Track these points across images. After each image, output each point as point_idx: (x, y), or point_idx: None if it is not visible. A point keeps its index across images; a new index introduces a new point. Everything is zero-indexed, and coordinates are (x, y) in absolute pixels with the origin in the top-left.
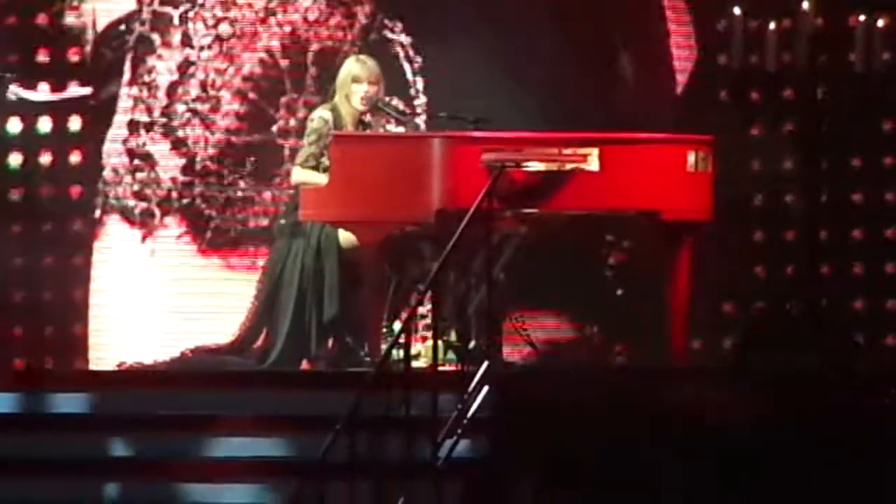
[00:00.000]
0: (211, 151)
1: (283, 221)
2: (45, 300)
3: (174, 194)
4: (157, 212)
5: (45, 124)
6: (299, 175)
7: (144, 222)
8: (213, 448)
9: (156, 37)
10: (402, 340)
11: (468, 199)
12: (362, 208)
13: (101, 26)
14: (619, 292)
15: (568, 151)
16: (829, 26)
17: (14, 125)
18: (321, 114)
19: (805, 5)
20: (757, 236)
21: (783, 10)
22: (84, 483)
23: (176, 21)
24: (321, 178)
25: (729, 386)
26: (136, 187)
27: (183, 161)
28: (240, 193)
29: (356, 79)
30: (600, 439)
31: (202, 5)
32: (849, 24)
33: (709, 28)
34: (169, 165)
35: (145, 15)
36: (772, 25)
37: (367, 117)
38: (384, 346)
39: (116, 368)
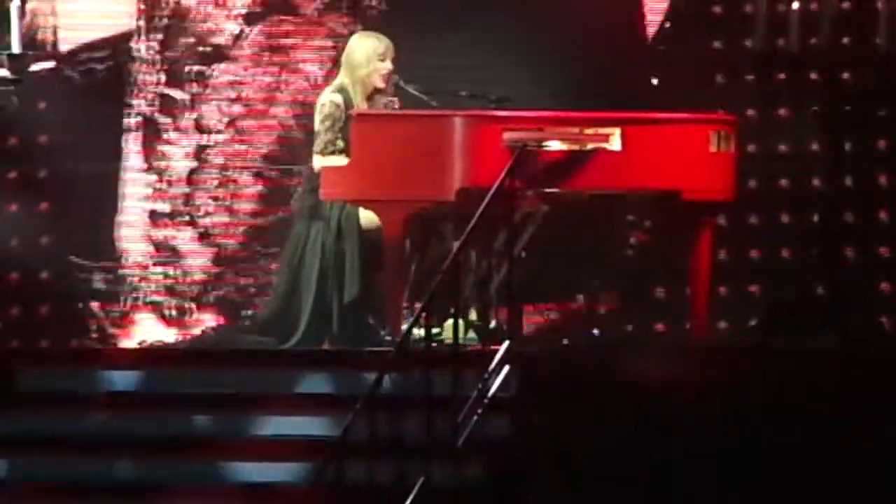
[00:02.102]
0: (239, 237)
1: (300, 204)
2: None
3: (207, 287)
4: (193, 306)
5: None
6: (320, 162)
7: (181, 321)
8: (234, 427)
9: (166, 120)
10: (422, 320)
11: (489, 178)
12: (383, 187)
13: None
14: (645, 273)
15: (590, 131)
16: (854, 8)
17: None
18: (332, 97)
19: None
20: (783, 218)
21: None
22: (104, 460)
23: (186, 104)
24: (343, 162)
25: (750, 365)
26: (167, 281)
27: (211, 252)
28: (272, 278)
29: (382, 56)
30: (618, 418)
31: (210, 87)
32: (873, 6)
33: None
34: (197, 258)
35: (150, 96)
36: (795, 5)
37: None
38: (405, 326)
39: (138, 346)
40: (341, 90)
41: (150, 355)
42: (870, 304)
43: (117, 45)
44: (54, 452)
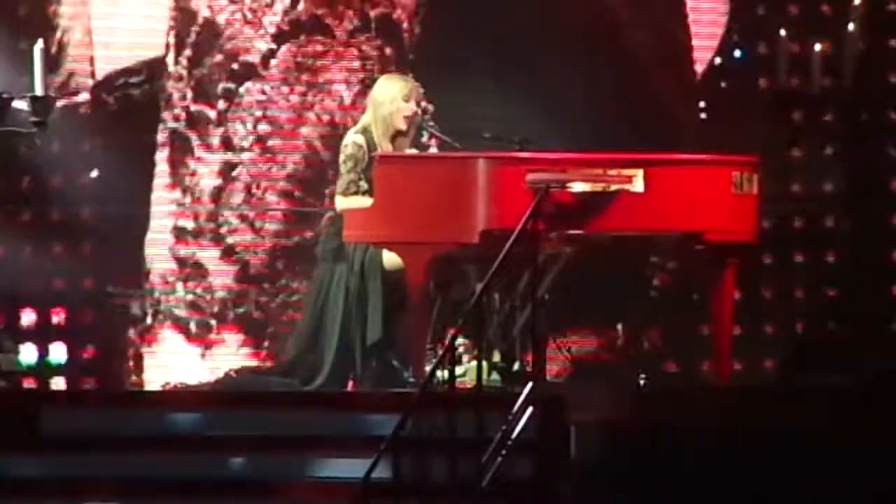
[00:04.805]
0: (262, 256)
1: (323, 246)
2: (85, 319)
3: (229, 304)
4: (213, 322)
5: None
6: (343, 203)
7: (201, 337)
8: (260, 469)
9: (194, 137)
10: (446, 361)
11: (513, 219)
12: (406, 229)
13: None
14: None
15: (613, 172)
16: (870, 49)
17: None
18: (354, 139)
19: (850, 27)
20: (798, 258)
21: (827, 32)
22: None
23: (214, 121)
24: (365, 203)
25: (771, 406)
26: (188, 297)
27: (235, 268)
28: (294, 297)
29: (406, 97)
30: (644, 458)
31: (239, 105)
32: (889, 46)
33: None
34: (221, 274)
35: (178, 111)
36: (817, 47)
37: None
38: (428, 368)
39: (162, 389)
40: (364, 131)
41: (175, 397)
42: (884, 343)
43: (153, 66)
44: (87, 497)
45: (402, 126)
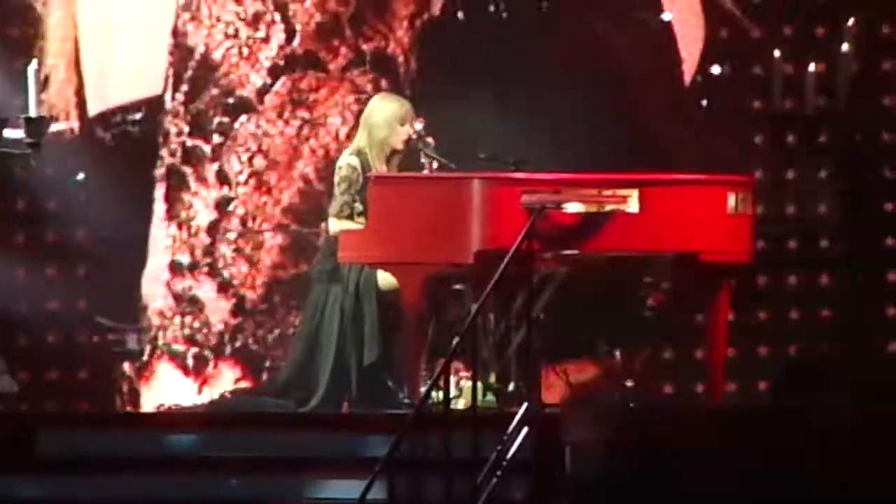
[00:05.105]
0: (259, 290)
1: (318, 268)
2: (81, 342)
3: (226, 338)
4: (210, 355)
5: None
6: (336, 225)
7: (199, 371)
8: (254, 490)
9: (188, 170)
10: (441, 382)
11: (508, 240)
12: (401, 249)
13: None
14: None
15: (608, 193)
16: (864, 70)
17: None
18: (348, 160)
19: (844, 48)
20: (791, 280)
21: (821, 54)
22: None
23: (209, 155)
24: (359, 225)
25: (764, 428)
26: (185, 332)
27: (231, 303)
28: (291, 330)
29: (402, 120)
30: (638, 478)
31: (234, 139)
32: (882, 67)
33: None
34: (218, 308)
35: (172, 141)
36: (811, 68)
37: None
38: (423, 388)
39: (157, 410)
40: (359, 153)
41: (170, 419)
42: (880, 364)
43: (152, 105)
44: None
45: (400, 147)
